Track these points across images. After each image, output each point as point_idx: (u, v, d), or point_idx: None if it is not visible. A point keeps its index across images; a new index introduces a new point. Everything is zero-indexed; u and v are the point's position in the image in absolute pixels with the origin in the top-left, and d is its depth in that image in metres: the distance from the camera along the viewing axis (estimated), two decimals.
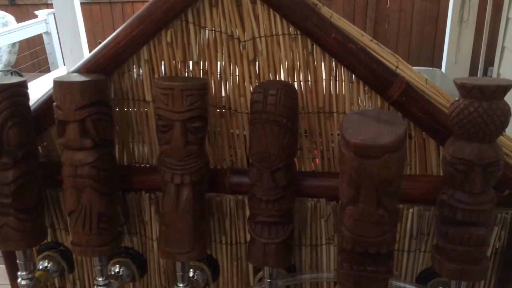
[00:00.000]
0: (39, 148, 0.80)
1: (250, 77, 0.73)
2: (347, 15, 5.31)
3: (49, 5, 5.41)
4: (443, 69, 3.37)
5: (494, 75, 2.90)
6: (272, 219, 0.68)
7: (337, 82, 0.72)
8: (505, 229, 0.72)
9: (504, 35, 2.72)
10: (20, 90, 0.71)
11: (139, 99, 0.77)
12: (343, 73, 0.71)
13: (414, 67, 0.75)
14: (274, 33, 0.70)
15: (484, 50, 3.27)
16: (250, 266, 0.82)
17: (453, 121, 0.60)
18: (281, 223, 0.69)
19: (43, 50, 4.55)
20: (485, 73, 3.83)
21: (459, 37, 3.27)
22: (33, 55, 5.27)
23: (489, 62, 3.44)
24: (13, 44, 4.50)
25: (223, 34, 0.72)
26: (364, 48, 0.68)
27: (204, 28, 0.72)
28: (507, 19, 2.66)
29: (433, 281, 0.76)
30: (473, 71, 3.44)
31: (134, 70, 0.75)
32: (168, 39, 0.72)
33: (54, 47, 4.43)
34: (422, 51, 5.34)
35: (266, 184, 0.66)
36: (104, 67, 0.73)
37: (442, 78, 2.79)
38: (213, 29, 0.72)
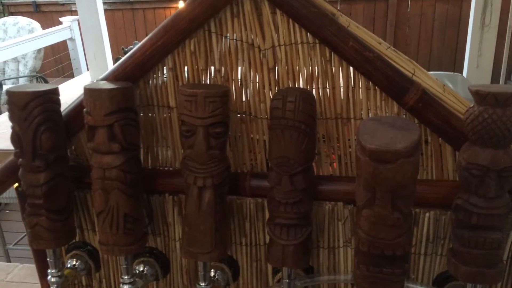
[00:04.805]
0: (69, 151, 0.84)
1: (270, 84, 0.76)
2: (367, 20, 5.30)
3: (73, 12, 5.54)
4: (464, 73, 3.34)
5: None
6: (291, 221, 0.70)
7: (354, 89, 0.74)
8: None
9: None
10: (52, 96, 0.75)
11: (163, 105, 0.80)
12: (360, 80, 0.73)
13: (436, 72, 0.77)
14: (293, 42, 0.73)
15: (507, 55, 3.24)
16: (269, 267, 0.84)
17: (468, 127, 0.62)
18: (299, 225, 0.71)
19: (67, 56, 4.65)
20: (508, 78, 3.78)
21: (481, 42, 3.24)
22: (57, 61, 5.40)
23: None
24: (39, 50, 4.62)
25: (244, 43, 0.74)
26: (380, 56, 0.70)
27: (226, 37, 0.75)
28: None
29: (449, 285, 0.77)
30: (495, 75, 3.40)
31: (159, 77, 0.79)
32: (192, 48, 0.75)
33: (78, 53, 4.52)
34: (444, 56, 5.29)
35: (285, 188, 0.69)
36: (131, 75, 0.77)
37: (463, 83, 2.77)
38: (235, 38, 0.75)
